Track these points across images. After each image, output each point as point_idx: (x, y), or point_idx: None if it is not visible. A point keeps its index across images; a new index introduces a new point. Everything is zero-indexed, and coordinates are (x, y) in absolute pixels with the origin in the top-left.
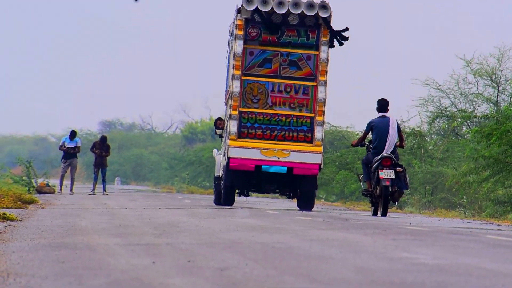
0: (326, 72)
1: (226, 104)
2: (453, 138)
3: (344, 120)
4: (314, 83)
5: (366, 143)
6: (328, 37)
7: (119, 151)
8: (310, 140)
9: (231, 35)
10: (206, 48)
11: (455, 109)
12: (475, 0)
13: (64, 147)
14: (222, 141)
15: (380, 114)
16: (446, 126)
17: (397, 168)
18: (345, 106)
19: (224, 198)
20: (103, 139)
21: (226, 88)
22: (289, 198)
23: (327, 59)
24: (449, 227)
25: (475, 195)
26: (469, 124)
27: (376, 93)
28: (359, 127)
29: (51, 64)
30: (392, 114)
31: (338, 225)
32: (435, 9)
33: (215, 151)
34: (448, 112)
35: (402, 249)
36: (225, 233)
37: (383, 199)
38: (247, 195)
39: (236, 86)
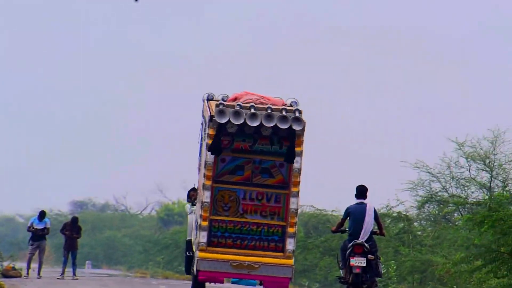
0: (299, 182)
1: (199, 171)
2: (444, 224)
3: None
4: (287, 191)
5: (346, 229)
6: (301, 147)
7: (90, 233)
8: (281, 249)
9: (202, 124)
10: (183, 127)
11: (446, 194)
12: (468, 80)
13: (33, 228)
14: (194, 204)
15: (358, 201)
16: (437, 211)
17: (369, 256)
18: (331, 189)
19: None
20: (74, 220)
21: (199, 156)
22: (260, 284)
23: (299, 169)
24: None
25: (466, 286)
26: (461, 210)
27: (363, 175)
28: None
29: (20, 140)
30: (370, 201)
31: None
32: (426, 89)
33: (187, 206)
34: (438, 197)
35: None
36: None
37: (353, 287)
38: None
39: (206, 197)
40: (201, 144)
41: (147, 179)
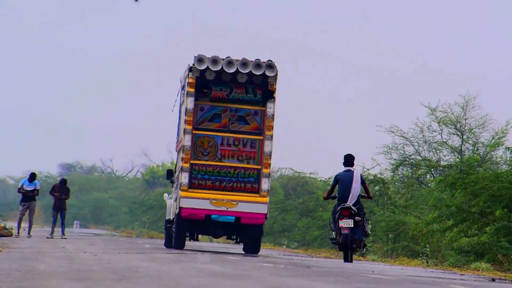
0: (272, 127)
1: (177, 152)
2: (417, 186)
3: (308, 167)
4: (261, 137)
5: (336, 195)
6: (274, 94)
7: (78, 194)
8: (257, 191)
9: (183, 88)
10: (168, 93)
11: (419, 157)
12: (440, 48)
13: (23, 189)
14: (173, 187)
15: (346, 168)
16: (410, 174)
17: (356, 218)
18: (309, 153)
19: (175, 242)
20: (63, 182)
21: (177, 136)
22: (236, 242)
23: (273, 115)
24: (412, 275)
25: (438, 244)
26: (433, 172)
27: (340, 140)
28: (323, 174)
29: (11, 103)
30: (357, 168)
31: (300, 272)
32: (400, 57)
33: (165, 195)
34: (412, 160)
35: None
36: (186, 279)
37: (343, 246)
38: (196, 239)
39: (187, 140)
40: (179, 119)
41: (132, 143)
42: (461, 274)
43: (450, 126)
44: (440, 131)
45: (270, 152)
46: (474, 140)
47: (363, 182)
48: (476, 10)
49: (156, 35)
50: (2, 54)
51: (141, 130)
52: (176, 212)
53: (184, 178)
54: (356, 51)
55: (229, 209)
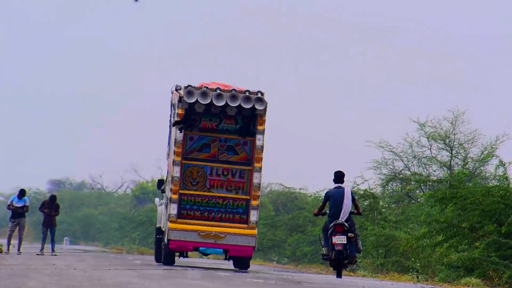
0: (261, 158)
1: (168, 162)
2: (407, 201)
3: (298, 181)
4: (250, 168)
5: (327, 211)
6: (263, 126)
7: (68, 210)
8: (246, 221)
9: (172, 106)
10: (157, 107)
11: (409, 172)
12: (429, 62)
13: (13, 206)
14: (163, 194)
15: (336, 185)
16: (400, 189)
17: (349, 234)
18: (298, 168)
19: (164, 260)
20: (53, 198)
21: (168, 143)
22: (225, 259)
23: (262, 147)
24: None
25: (428, 259)
26: (423, 187)
27: (330, 154)
28: (312, 189)
29: (0, 119)
30: (347, 185)
31: None
32: (388, 71)
33: (157, 199)
34: (401, 175)
35: None
36: None
37: (336, 262)
38: (186, 256)
39: (176, 171)
40: (170, 131)
41: (122, 159)
42: None
43: (439, 141)
44: (429, 146)
45: (259, 184)
46: (464, 155)
47: (353, 199)
48: (465, 21)
49: (147, 46)
50: None
51: (130, 146)
52: (165, 242)
53: (172, 209)
54: (343, 64)
55: (217, 242)
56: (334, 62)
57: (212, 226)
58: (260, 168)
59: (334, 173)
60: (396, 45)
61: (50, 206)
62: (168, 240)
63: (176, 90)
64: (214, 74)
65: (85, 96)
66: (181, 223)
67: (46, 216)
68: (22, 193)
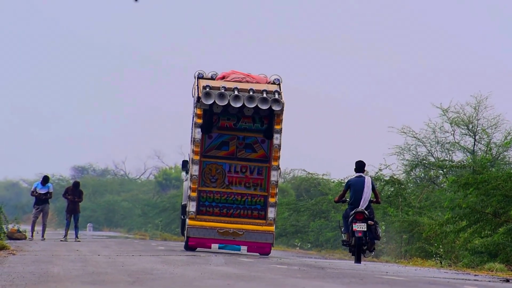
0: (279, 157)
1: (190, 152)
2: (433, 188)
3: (321, 167)
4: (268, 165)
5: (347, 199)
6: (280, 125)
7: (91, 197)
8: (264, 217)
9: (194, 100)
10: (180, 94)
11: (432, 158)
12: (452, 48)
13: (36, 192)
14: (187, 173)
15: (357, 174)
16: (423, 175)
17: (369, 222)
18: (322, 153)
19: (187, 247)
20: (76, 184)
21: (192, 135)
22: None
23: (279, 145)
24: (426, 277)
25: (451, 245)
26: (446, 173)
27: (353, 140)
28: (335, 175)
29: (23, 107)
30: (367, 174)
31: (314, 273)
32: (412, 57)
33: (183, 174)
34: (424, 161)
35: None
36: (199, 281)
37: (356, 248)
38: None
39: (195, 170)
40: (193, 116)
41: (145, 145)
42: (475, 275)
43: (462, 126)
44: (452, 132)
45: (277, 182)
46: (487, 140)
47: (373, 188)
48: (486, 7)
49: (167, 34)
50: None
51: (154, 132)
52: (184, 240)
53: (192, 207)
54: (365, 51)
55: (235, 239)
56: (358, 49)
57: (230, 222)
58: (278, 166)
59: (356, 162)
60: (419, 31)
61: (74, 192)
62: (188, 237)
63: (199, 77)
64: (232, 57)
65: (108, 83)
66: (200, 219)
67: (69, 202)
68: (45, 179)
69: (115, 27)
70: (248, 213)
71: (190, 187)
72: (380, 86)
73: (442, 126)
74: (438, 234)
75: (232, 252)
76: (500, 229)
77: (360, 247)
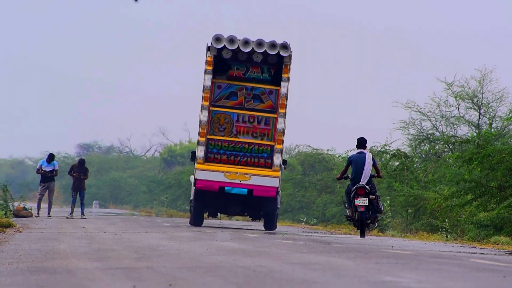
0: (286, 105)
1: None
2: (440, 161)
3: (326, 142)
4: (275, 115)
5: (349, 176)
6: (288, 74)
7: (97, 174)
8: (270, 166)
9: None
10: (185, 70)
11: (437, 132)
12: (456, 22)
13: (42, 170)
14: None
15: (359, 151)
16: (428, 149)
17: (370, 196)
18: (327, 129)
19: (194, 219)
20: (81, 162)
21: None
22: (253, 219)
23: (286, 94)
24: (431, 250)
25: (457, 219)
26: (451, 148)
27: (358, 116)
28: (340, 150)
29: (28, 87)
30: (368, 151)
31: (320, 248)
32: (416, 32)
33: (192, 177)
34: (430, 137)
35: (385, 273)
36: (206, 257)
37: (359, 223)
38: (215, 216)
39: (204, 116)
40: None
41: (150, 122)
42: (481, 248)
43: (467, 100)
44: (457, 106)
45: (283, 129)
46: (492, 114)
47: (374, 163)
48: None
49: (178, 12)
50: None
51: (158, 109)
52: (192, 184)
53: (200, 151)
54: (370, 25)
55: (242, 182)
56: (363, 24)
57: (237, 168)
58: (285, 114)
59: (357, 139)
60: (423, 5)
61: (79, 170)
62: (195, 179)
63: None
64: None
65: (114, 60)
66: (208, 165)
67: (75, 180)
68: (51, 157)
69: (122, 3)
70: (255, 161)
71: (199, 132)
72: (383, 60)
73: (447, 100)
74: (443, 208)
75: (237, 227)
76: (505, 202)
77: (363, 222)
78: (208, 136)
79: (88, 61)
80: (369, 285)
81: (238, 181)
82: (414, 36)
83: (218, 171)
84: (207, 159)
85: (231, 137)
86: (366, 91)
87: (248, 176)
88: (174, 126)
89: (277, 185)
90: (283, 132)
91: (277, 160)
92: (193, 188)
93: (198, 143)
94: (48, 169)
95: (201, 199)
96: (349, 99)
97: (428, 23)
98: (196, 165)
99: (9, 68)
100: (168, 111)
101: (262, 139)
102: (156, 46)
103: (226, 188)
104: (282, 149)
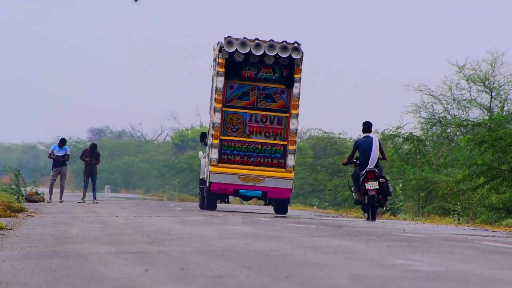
0: (298, 105)
1: (210, 114)
2: (454, 145)
3: (338, 126)
4: (287, 115)
5: (355, 160)
6: (300, 74)
7: (109, 159)
8: (283, 166)
9: (214, 60)
10: (196, 55)
11: (448, 116)
12: (467, 5)
13: (53, 155)
14: (207, 146)
15: (365, 135)
16: (440, 133)
17: (380, 179)
18: (339, 112)
19: (207, 205)
20: (93, 146)
21: (211, 98)
22: (265, 204)
23: (299, 94)
24: (444, 233)
25: (469, 202)
26: (462, 131)
27: (369, 100)
28: (351, 133)
29: (40, 71)
30: (374, 134)
31: (332, 232)
32: (427, 15)
33: (200, 153)
34: (442, 120)
35: (397, 256)
36: (218, 241)
37: (370, 206)
38: (228, 202)
39: (217, 118)
40: (212, 85)
41: (161, 106)
42: (493, 231)
43: (478, 83)
44: (468, 89)
45: (296, 130)
46: (504, 97)
47: (380, 147)
48: None
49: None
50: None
51: (170, 94)
52: (207, 186)
53: (214, 153)
54: (383, 10)
55: (256, 184)
56: (373, 4)
57: (251, 170)
58: (297, 114)
59: (363, 123)
60: None
61: (91, 154)
62: (210, 183)
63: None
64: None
65: (127, 45)
66: (222, 167)
67: (87, 164)
68: (62, 142)
69: None
70: (268, 162)
71: (212, 134)
72: (395, 43)
73: (458, 84)
74: (455, 192)
75: (248, 211)
76: None
77: (374, 205)
78: (221, 137)
79: (100, 47)
80: (381, 268)
81: (252, 184)
82: (426, 18)
83: (232, 174)
84: (220, 160)
85: (244, 137)
86: (377, 74)
87: (262, 178)
88: (185, 110)
89: (291, 187)
90: (295, 132)
91: (290, 161)
92: (203, 168)
93: (212, 145)
94: (60, 153)
95: (214, 196)
96: (361, 83)
97: (439, 5)
98: (211, 168)
99: (21, 47)
100: (179, 96)
101: (275, 139)
102: (170, 30)
103: (240, 191)
104: (295, 149)
